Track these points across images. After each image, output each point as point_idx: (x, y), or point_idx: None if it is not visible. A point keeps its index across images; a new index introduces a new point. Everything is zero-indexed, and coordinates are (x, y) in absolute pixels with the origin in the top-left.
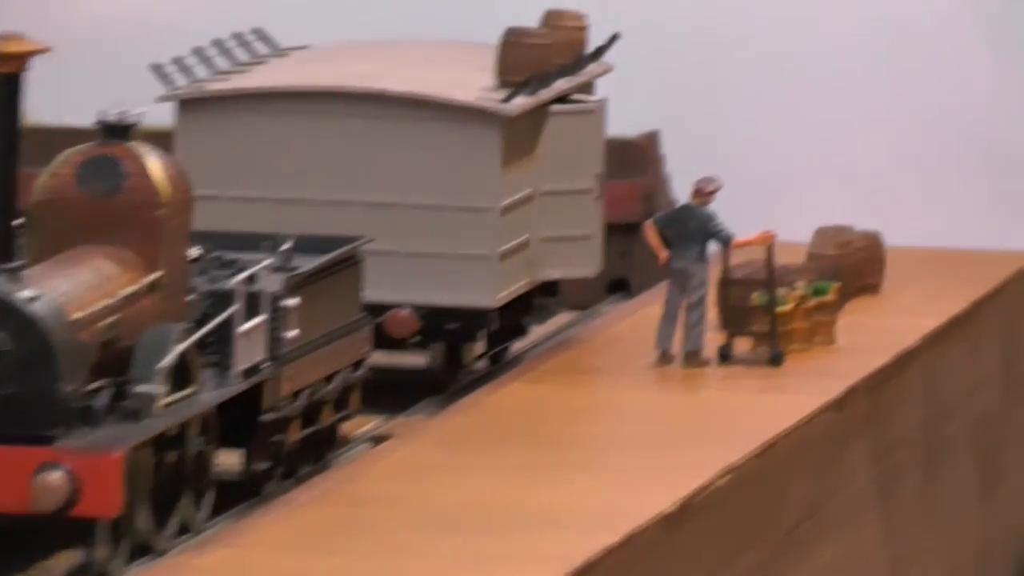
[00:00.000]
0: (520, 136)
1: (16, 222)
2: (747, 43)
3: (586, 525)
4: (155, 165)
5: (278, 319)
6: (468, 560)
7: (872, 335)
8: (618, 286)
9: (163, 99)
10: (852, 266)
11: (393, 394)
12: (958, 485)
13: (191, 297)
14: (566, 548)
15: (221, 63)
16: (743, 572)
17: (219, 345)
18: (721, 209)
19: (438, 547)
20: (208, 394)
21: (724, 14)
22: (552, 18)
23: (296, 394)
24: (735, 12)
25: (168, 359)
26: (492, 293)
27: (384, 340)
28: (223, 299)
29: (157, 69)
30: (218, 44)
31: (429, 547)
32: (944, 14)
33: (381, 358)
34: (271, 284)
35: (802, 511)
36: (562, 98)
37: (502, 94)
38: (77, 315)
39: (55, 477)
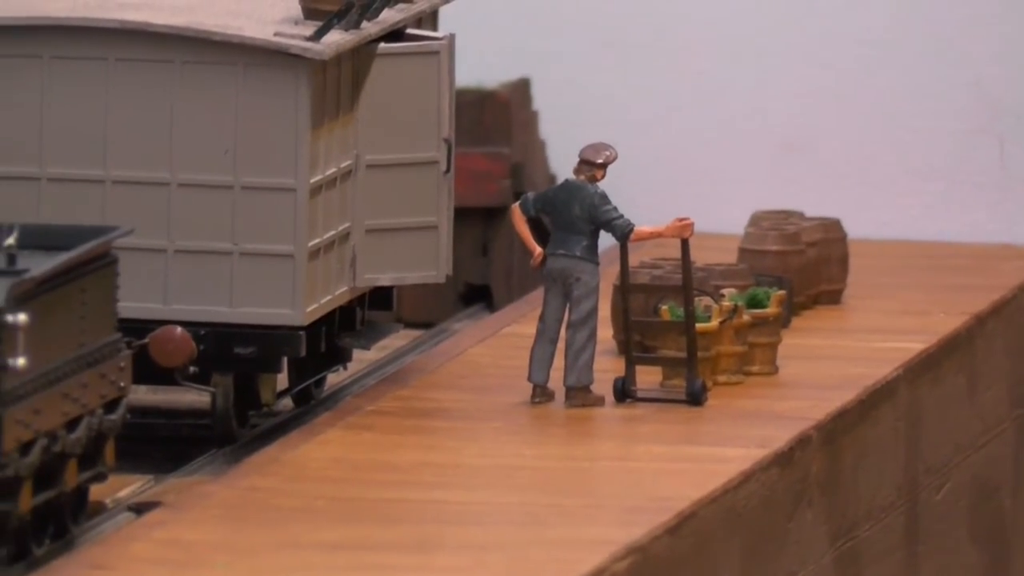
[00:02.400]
0: (336, 87)
1: None
2: None
3: None
4: None
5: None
6: None
7: (831, 364)
8: (475, 295)
9: None
10: (802, 267)
11: (162, 446)
12: (952, 573)
13: None
14: None
15: None
16: None
17: None
18: (616, 188)
19: None
20: None
21: None
22: None
23: (27, 446)
24: None
25: None
26: (298, 306)
27: (149, 371)
28: None
29: None
30: None
31: None
32: None
33: (145, 396)
34: None
35: None
36: (395, 34)
37: (309, 28)
38: None
39: None
